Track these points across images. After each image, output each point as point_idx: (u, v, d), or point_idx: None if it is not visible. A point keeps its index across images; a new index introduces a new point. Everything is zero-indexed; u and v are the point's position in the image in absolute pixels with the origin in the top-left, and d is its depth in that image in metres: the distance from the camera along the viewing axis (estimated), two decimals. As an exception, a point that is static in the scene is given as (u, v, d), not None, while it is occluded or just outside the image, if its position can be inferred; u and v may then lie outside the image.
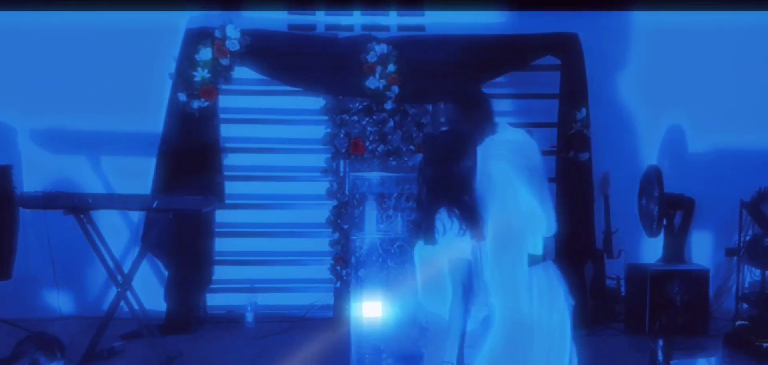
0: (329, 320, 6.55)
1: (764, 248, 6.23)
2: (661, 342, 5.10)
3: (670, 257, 6.52)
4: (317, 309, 6.75)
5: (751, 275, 6.58)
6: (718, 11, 6.71)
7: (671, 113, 7.01)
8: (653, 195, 6.37)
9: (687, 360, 5.67)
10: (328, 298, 6.76)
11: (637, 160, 6.79)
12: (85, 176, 6.67)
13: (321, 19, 7.05)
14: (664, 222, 6.47)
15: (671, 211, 6.49)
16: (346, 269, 6.31)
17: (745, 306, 6.45)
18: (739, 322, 6.23)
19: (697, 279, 6.36)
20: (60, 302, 6.70)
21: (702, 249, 6.85)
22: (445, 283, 3.29)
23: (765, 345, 5.72)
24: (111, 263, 5.71)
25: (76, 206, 5.47)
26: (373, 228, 4.96)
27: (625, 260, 6.62)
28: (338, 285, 6.66)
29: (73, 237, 5.71)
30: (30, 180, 6.49)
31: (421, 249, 3.38)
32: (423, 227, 3.31)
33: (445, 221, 3.26)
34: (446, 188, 3.30)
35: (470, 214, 3.28)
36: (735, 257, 6.58)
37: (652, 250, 6.60)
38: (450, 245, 3.26)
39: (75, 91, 6.59)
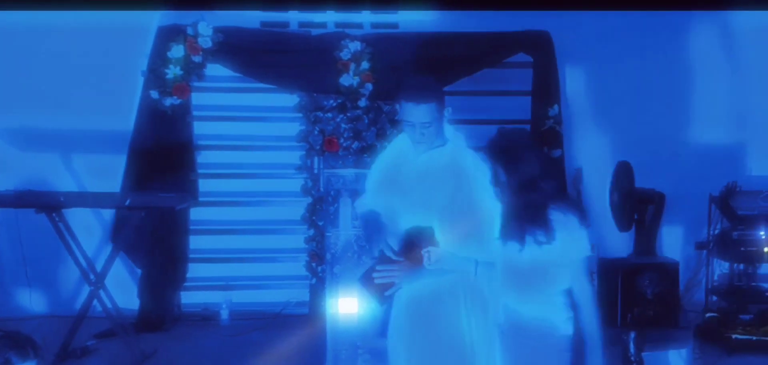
0: (305, 317, 6.52)
1: (733, 241, 6.32)
2: (633, 335, 5.15)
3: (641, 252, 6.58)
4: (293, 306, 6.72)
5: (720, 268, 6.67)
6: (686, 11, 6.80)
7: (642, 110, 7.06)
8: (624, 190, 6.42)
9: (658, 352, 5.72)
10: (303, 295, 6.73)
11: (608, 156, 6.84)
12: (57, 174, 6.57)
13: (294, 16, 7.02)
14: (635, 217, 6.53)
15: (642, 206, 6.55)
16: (322, 266, 6.29)
17: (714, 298, 6.54)
18: (708, 314, 6.30)
19: (668, 273, 6.43)
20: (32, 301, 6.61)
21: (672, 243, 6.90)
22: (549, 286, 3.08)
23: (734, 336, 5.79)
24: (83, 262, 5.64)
25: (48, 204, 5.40)
26: (348, 225, 4.94)
27: (597, 255, 6.65)
28: (314, 281, 6.63)
29: (45, 236, 5.64)
30: (0, 179, 6.39)
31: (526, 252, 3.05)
32: (537, 229, 3.00)
33: (557, 217, 3.02)
34: (536, 185, 3.03)
35: (576, 203, 3.15)
36: (704, 251, 6.66)
37: (623, 244, 6.65)
38: (571, 242, 3.06)
39: (46, 89, 6.49)
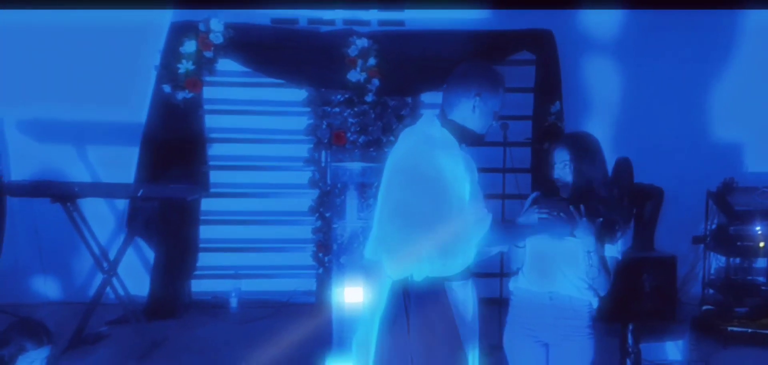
0: (312, 305, 6.51)
1: (729, 236, 6.28)
2: (631, 327, 5.10)
3: (639, 246, 6.53)
4: (300, 294, 6.70)
5: (717, 262, 6.65)
6: (690, 10, 6.75)
7: (641, 106, 7.02)
8: (624, 185, 6.37)
9: (655, 344, 5.68)
10: (310, 284, 6.72)
11: (609, 151, 6.76)
12: (72, 165, 6.57)
13: (303, 13, 6.99)
14: (635, 211, 6.48)
15: (641, 201, 6.50)
16: (329, 256, 6.28)
17: (710, 291, 6.51)
18: (705, 307, 6.28)
19: (666, 266, 6.35)
20: (47, 288, 6.62)
21: (670, 237, 6.85)
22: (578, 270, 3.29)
23: (730, 328, 5.76)
24: (97, 251, 5.62)
25: (63, 194, 5.38)
26: (354, 216, 4.90)
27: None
28: (321, 271, 6.62)
29: (60, 225, 5.62)
30: (17, 169, 6.39)
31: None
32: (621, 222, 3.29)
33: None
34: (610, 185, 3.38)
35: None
36: (701, 245, 6.62)
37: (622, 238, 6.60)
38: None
39: (61, 83, 6.48)
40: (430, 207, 2.93)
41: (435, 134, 3.05)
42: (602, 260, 3.23)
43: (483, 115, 3.07)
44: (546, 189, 3.39)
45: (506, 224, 3.29)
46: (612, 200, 3.29)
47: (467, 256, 3.03)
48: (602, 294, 3.30)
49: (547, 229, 3.18)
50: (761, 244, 6.25)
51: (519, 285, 3.35)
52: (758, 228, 6.23)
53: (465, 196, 2.94)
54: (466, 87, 3.05)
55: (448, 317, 3.00)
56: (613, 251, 3.30)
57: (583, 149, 3.31)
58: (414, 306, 2.98)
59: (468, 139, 3.09)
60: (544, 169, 3.44)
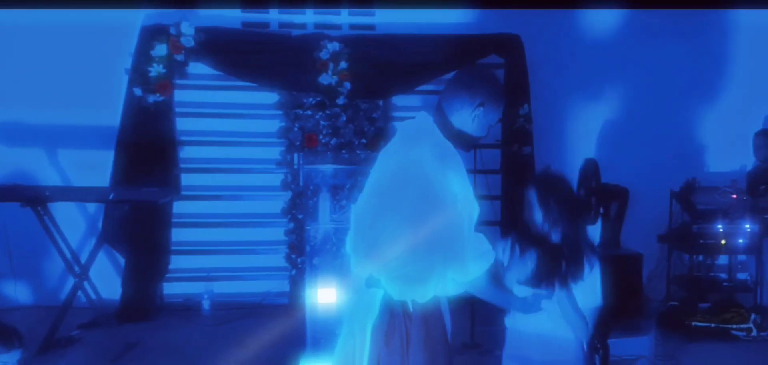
0: (285, 306, 6.45)
1: (692, 234, 6.35)
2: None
3: (606, 244, 6.58)
4: (273, 296, 6.64)
5: (681, 259, 6.70)
6: (652, 10, 6.82)
7: (608, 108, 7.08)
8: (591, 186, 6.42)
9: (623, 339, 5.71)
10: (283, 285, 6.65)
11: (576, 152, 6.83)
12: (42, 168, 6.44)
13: (274, 17, 6.93)
14: (601, 211, 6.53)
15: (608, 200, 6.55)
16: (301, 258, 6.22)
17: (675, 287, 6.56)
18: (670, 303, 6.33)
19: (632, 264, 6.43)
20: (18, 292, 6.48)
21: (636, 236, 6.92)
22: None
23: (694, 323, 5.81)
24: (68, 254, 5.51)
25: (34, 198, 5.26)
26: (326, 218, 4.86)
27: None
28: (293, 272, 6.56)
29: (31, 229, 5.50)
30: (-14, 173, 6.24)
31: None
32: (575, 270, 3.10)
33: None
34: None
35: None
36: (666, 243, 6.68)
37: (589, 237, 6.63)
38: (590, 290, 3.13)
39: (32, 86, 6.36)
40: (445, 233, 2.75)
41: (442, 147, 2.85)
42: (573, 305, 3.09)
43: (479, 127, 2.91)
44: (522, 230, 3.25)
45: (500, 290, 3.07)
46: (572, 247, 3.12)
47: (465, 282, 2.87)
48: (581, 336, 3.16)
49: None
50: (722, 241, 6.33)
51: (513, 325, 3.25)
52: (719, 226, 6.31)
53: (475, 218, 2.80)
54: (471, 96, 2.87)
55: (444, 332, 2.88)
56: (590, 300, 3.16)
57: (549, 187, 3.15)
58: (415, 321, 2.81)
59: (461, 146, 2.93)
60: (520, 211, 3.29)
